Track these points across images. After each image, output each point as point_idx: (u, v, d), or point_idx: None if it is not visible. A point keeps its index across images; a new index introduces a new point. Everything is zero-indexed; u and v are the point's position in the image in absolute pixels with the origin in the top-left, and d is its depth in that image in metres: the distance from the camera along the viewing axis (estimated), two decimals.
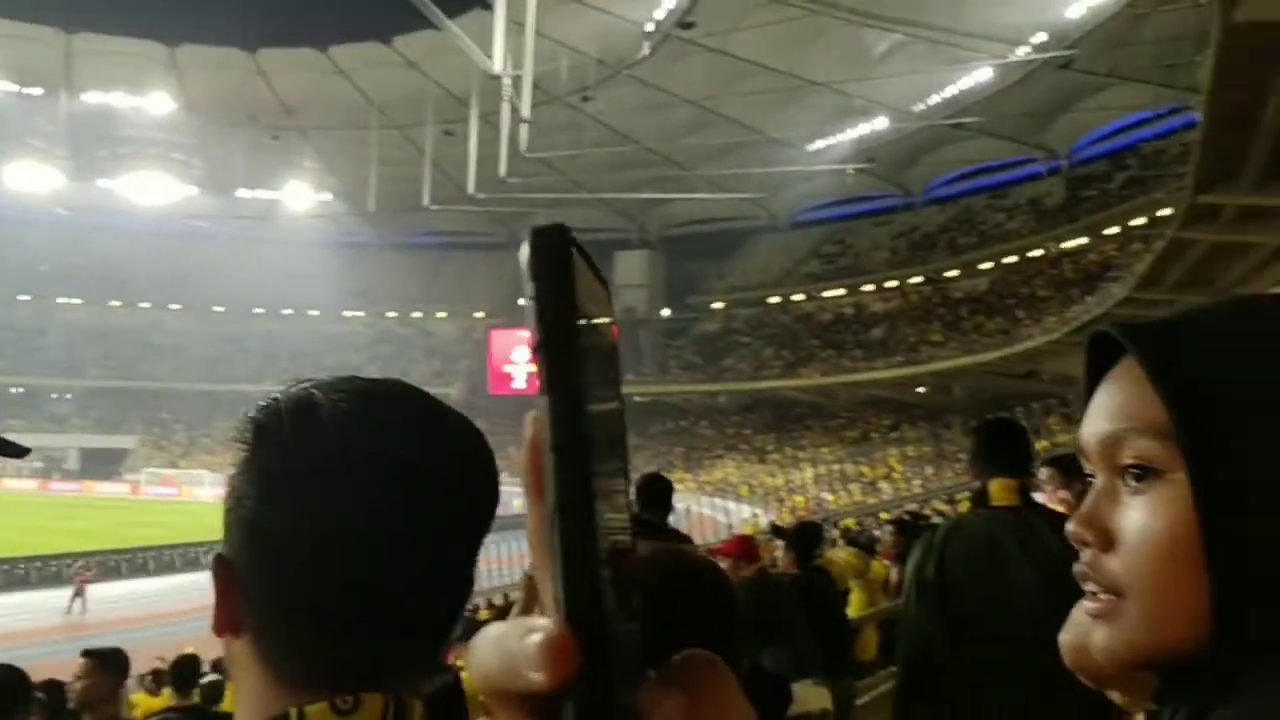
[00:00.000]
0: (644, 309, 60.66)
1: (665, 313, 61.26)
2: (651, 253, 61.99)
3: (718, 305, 59.04)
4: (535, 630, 0.27)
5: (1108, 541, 0.64)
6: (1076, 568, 0.66)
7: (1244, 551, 0.57)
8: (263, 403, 0.70)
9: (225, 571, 0.67)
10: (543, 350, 0.28)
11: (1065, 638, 0.94)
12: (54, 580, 23.08)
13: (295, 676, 0.65)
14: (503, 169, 40.83)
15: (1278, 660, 0.56)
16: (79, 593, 20.89)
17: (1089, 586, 0.66)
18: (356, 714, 0.64)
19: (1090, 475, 0.66)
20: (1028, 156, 47.18)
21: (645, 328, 60.16)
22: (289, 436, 0.66)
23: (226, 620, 0.68)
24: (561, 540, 0.27)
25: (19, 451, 1.97)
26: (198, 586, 22.31)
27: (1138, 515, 0.62)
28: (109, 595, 21.50)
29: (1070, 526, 0.66)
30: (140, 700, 8.84)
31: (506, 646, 0.29)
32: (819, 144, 47.81)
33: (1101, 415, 0.65)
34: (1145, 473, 0.62)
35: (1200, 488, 0.58)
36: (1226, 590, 0.57)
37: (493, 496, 0.70)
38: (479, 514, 0.69)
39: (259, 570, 0.66)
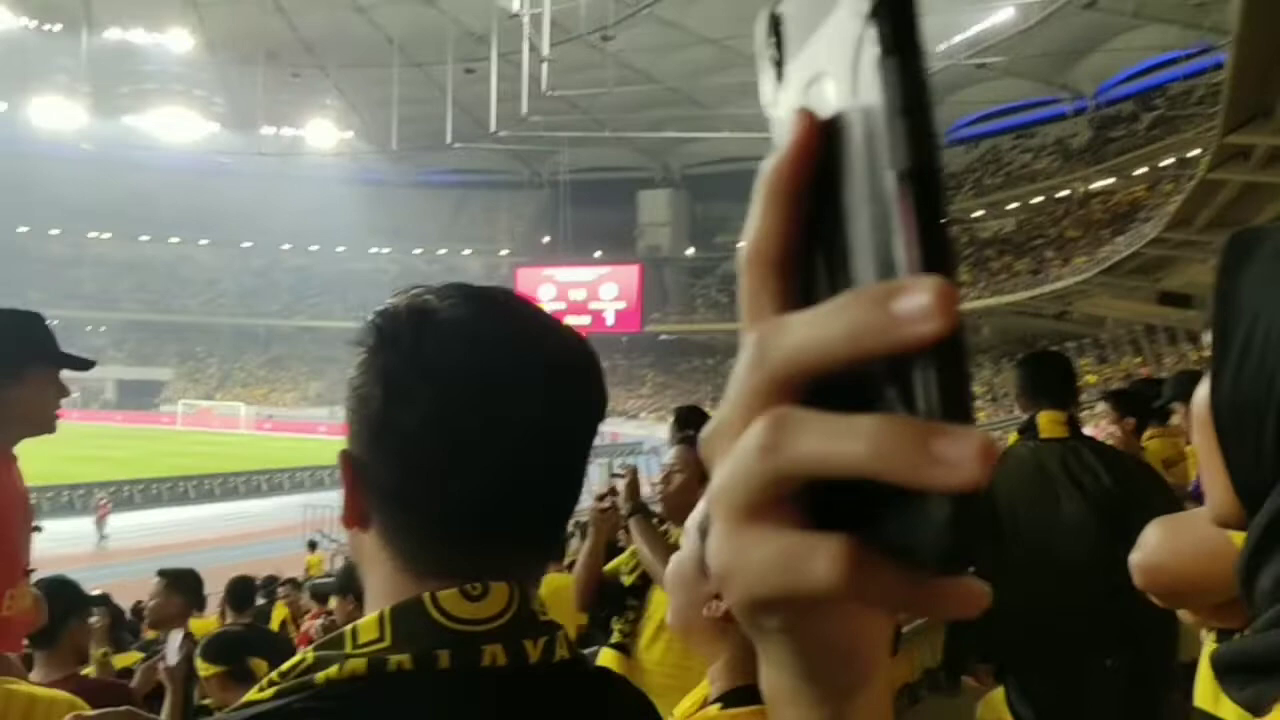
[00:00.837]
0: (668, 247, 60.72)
1: (690, 251, 61.25)
2: (675, 192, 61.80)
3: (743, 244, 58.94)
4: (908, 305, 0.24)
5: None
6: None
7: None
8: (381, 308, 0.73)
9: (352, 468, 0.71)
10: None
11: (1136, 558, 1.04)
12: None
13: (424, 566, 0.69)
14: (524, 107, 40.73)
15: None
16: (99, 522, 21.56)
17: None
18: (485, 600, 0.68)
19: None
20: (1053, 97, 46.54)
21: (670, 266, 60.27)
22: (410, 339, 0.69)
23: (355, 514, 0.71)
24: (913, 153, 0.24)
25: (85, 364, 2.22)
26: (238, 514, 23.08)
27: None
28: (150, 523, 22.18)
29: None
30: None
31: (789, 552, 0.26)
32: None
33: None
34: None
35: None
36: None
37: (600, 400, 0.74)
38: (589, 416, 0.73)
39: (386, 466, 0.69)
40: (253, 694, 0.65)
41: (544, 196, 66.42)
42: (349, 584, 3.25)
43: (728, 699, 1.18)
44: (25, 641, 2.60)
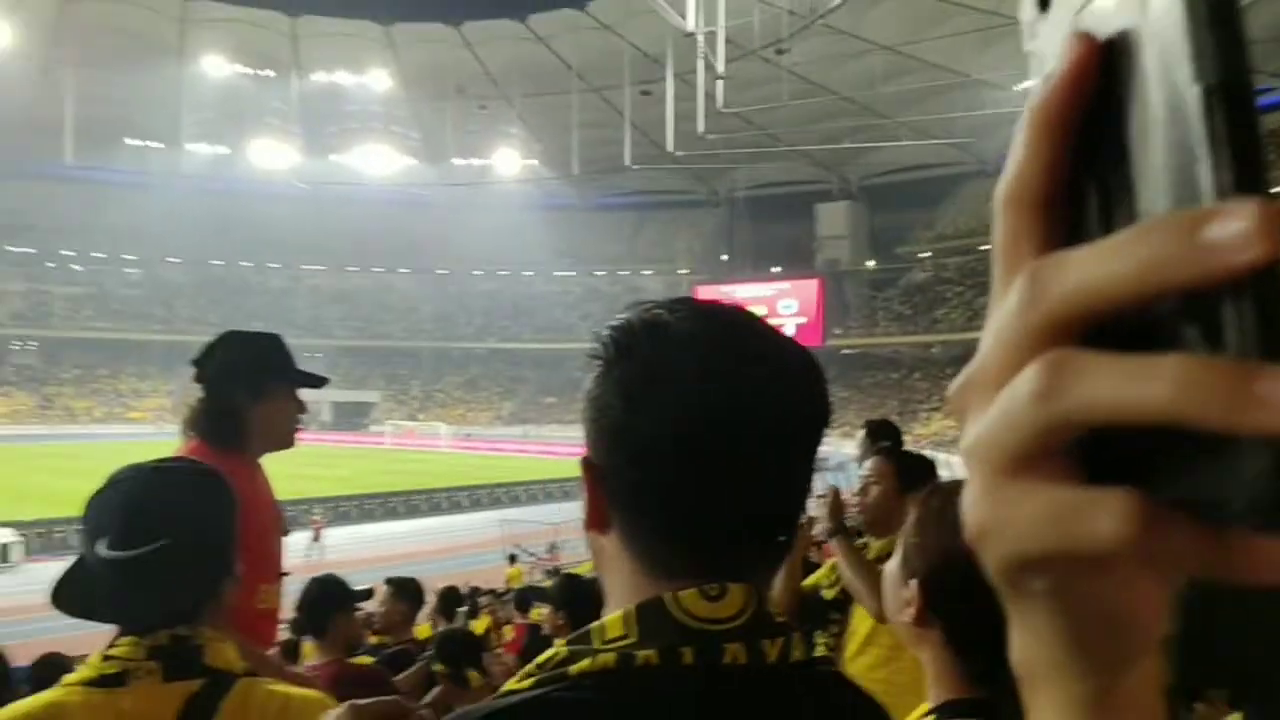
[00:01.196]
0: (848, 261, 59.97)
1: (870, 264, 60.29)
2: (853, 204, 60.98)
3: (925, 254, 57.51)
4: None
5: None
6: None
7: None
8: (615, 322, 0.76)
9: (592, 474, 0.75)
10: None
11: None
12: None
13: (663, 568, 0.72)
14: (700, 125, 41.26)
15: None
16: (316, 537, 23.21)
17: None
18: (723, 601, 0.70)
19: None
20: (1266, 86, 43.14)
21: (850, 280, 59.51)
22: (646, 349, 0.72)
23: (596, 518, 0.75)
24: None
25: (319, 381, 2.36)
26: (443, 529, 24.53)
27: None
28: (363, 536, 23.85)
29: None
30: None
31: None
32: (1028, 83, 45.35)
33: None
34: None
35: None
36: None
37: (825, 406, 0.77)
38: (815, 421, 0.75)
39: (625, 472, 0.72)
40: (511, 684, 0.70)
41: (721, 214, 66.97)
42: (566, 598, 3.58)
43: (942, 711, 1.20)
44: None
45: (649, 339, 0.73)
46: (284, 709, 1.21)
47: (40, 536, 21.19)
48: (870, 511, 2.83)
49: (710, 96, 39.54)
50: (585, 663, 0.68)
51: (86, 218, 64.63)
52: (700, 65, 38.20)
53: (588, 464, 0.75)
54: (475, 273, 71.50)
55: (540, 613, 7.60)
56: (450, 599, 7.55)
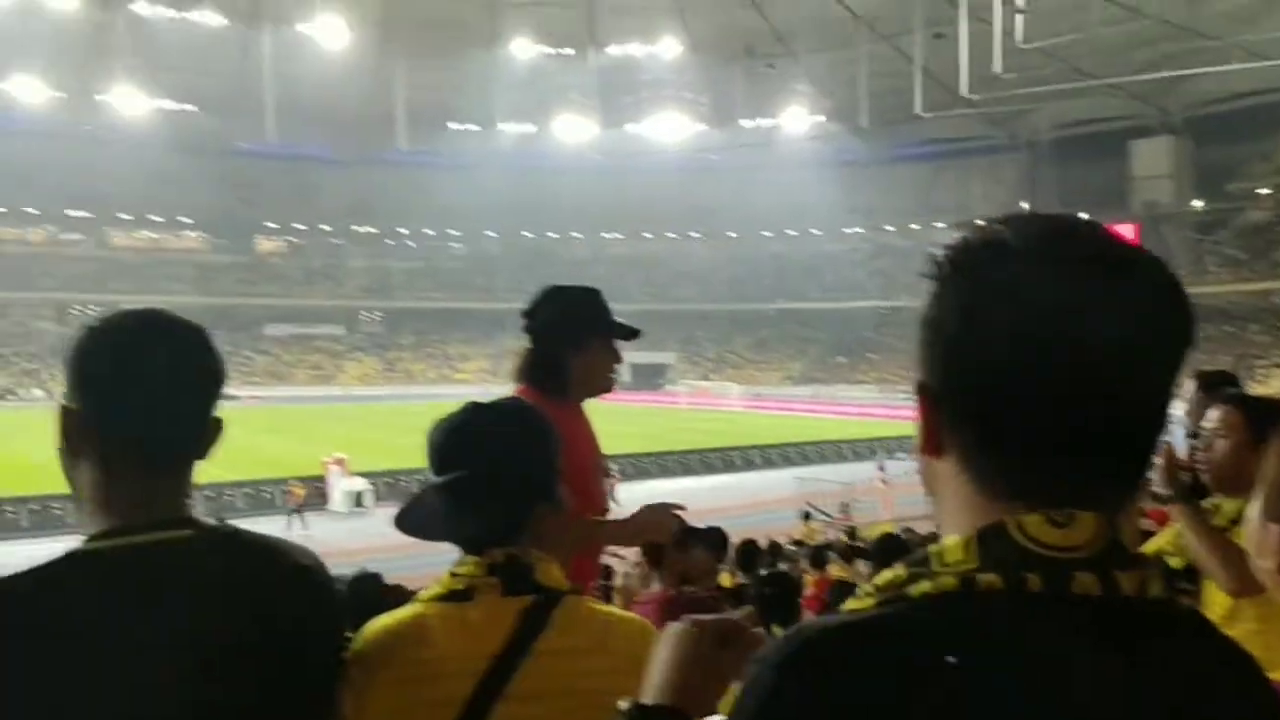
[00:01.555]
0: (1169, 202, 54.71)
1: (1196, 204, 54.65)
2: (1175, 138, 55.36)
3: (1265, 190, 51.28)
4: None
5: None
6: None
7: None
8: (952, 241, 0.73)
9: (926, 397, 0.72)
10: None
11: None
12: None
13: (1004, 491, 0.69)
14: (997, 64, 39.20)
15: None
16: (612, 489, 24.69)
17: None
18: (1071, 528, 0.67)
19: None
20: None
21: (1171, 222, 54.34)
22: (987, 265, 0.69)
23: (930, 441, 0.73)
24: None
25: (633, 333, 2.48)
26: (736, 485, 25.48)
27: None
28: (660, 491, 25.32)
29: None
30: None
31: None
32: None
33: None
34: None
35: None
36: None
37: (1188, 325, 0.70)
38: (1177, 342, 0.70)
39: (963, 392, 0.70)
40: (852, 603, 0.69)
41: (1021, 159, 63.07)
42: (887, 555, 3.60)
43: None
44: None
45: (986, 253, 0.70)
46: (607, 625, 1.32)
47: (389, 485, 23.91)
48: (1218, 468, 2.50)
49: (1008, 34, 37.41)
50: (926, 585, 0.66)
51: (417, 199, 71.85)
52: (998, 1, 36.27)
53: (921, 386, 0.73)
54: (765, 234, 72.09)
55: (839, 569, 8.06)
56: (749, 552, 7.98)
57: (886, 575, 0.68)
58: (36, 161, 61.54)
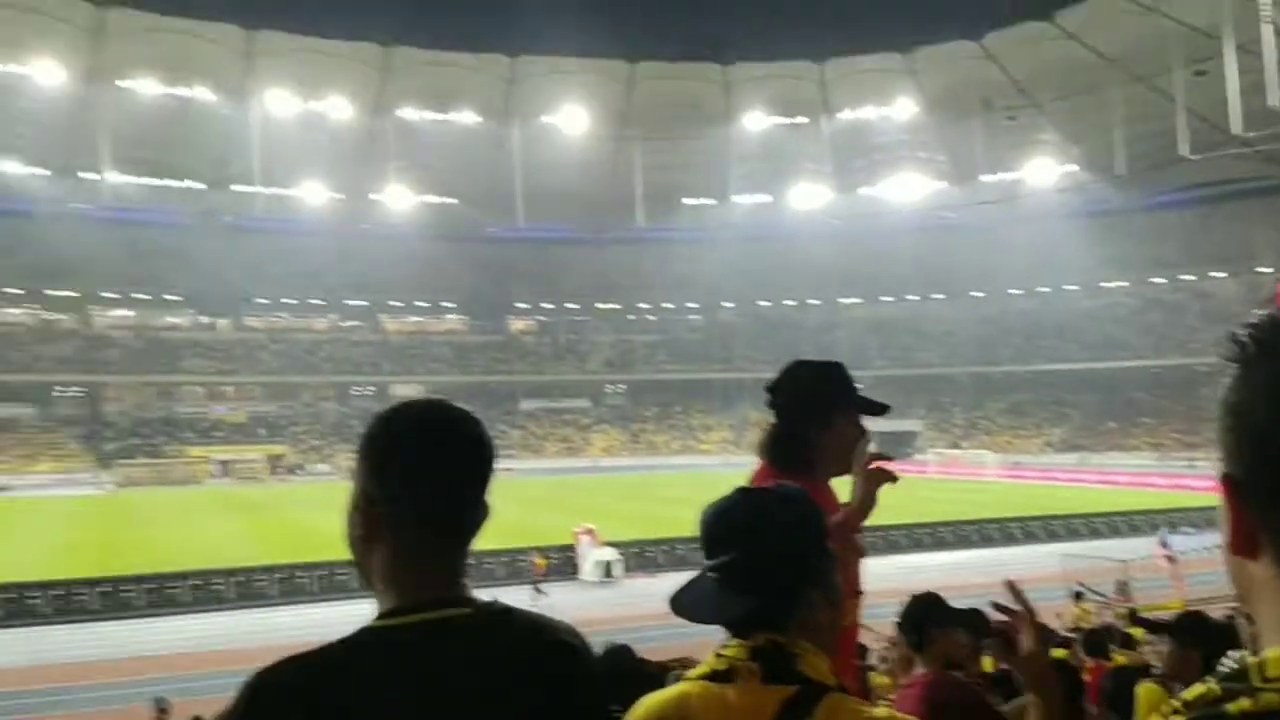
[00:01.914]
0: None
1: None
2: None
3: None
4: None
5: None
6: None
7: None
8: (1252, 320, 0.68)
9: (1235, 489, 0.66)
10: None
11: None
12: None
13: None
14: (1273, 97, 35.99)
15: None
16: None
17: None
18: None
19: None
20: None
21: None
22: None
23: (1241, 539, 0.66)
24: None
25: (881, 408, 2.35)
26: (994, 561, 23.98)
27: None
28: (910, 565, 24.11)
29: None
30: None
31: None
32: None
33: None
34: None
35: None
36: None
37: None
38: None
39: (1276, 487, 0.63)
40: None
41: None
42: (1194, 637, 3.21)
43: None
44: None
45: None
46: None
47: (636, 556, 24.36)
48: None
49: None
50: (1245, 702, 0.59)
51: (656, 273, 74.14)
52: (1266, 29, 33.43)
53: (1227, 477, 0.67)
54: (1012, 292, 68.74)
55: (1121, 657, 7.38)
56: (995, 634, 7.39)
57: (1197, 689, 0.63)
58: (320, 257, 68.64)
